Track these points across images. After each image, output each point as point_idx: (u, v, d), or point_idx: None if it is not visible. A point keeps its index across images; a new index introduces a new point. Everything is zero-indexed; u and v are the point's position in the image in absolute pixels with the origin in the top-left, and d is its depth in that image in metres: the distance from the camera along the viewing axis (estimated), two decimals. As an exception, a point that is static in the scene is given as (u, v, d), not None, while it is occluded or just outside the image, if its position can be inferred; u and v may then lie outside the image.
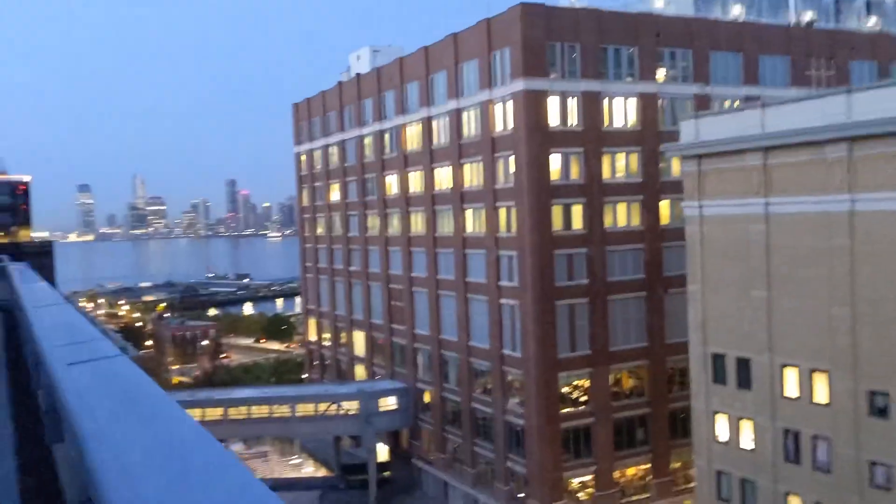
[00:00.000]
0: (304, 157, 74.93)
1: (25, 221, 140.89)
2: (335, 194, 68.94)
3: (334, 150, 68.20)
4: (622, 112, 47.22)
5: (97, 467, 2.14)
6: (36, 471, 5.08)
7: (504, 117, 46.42)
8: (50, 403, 4.36)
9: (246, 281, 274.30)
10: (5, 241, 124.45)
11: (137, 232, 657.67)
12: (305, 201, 75.58)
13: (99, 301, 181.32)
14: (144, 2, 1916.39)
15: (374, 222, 62.08)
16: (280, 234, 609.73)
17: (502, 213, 46.97)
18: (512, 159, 45.65)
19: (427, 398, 55.13)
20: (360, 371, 65.24)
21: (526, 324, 45.01)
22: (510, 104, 45.44)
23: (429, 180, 54.19)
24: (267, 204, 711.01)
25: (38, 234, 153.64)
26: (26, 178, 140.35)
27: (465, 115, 50.02)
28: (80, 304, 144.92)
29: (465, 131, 50.13)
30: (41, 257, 61.48)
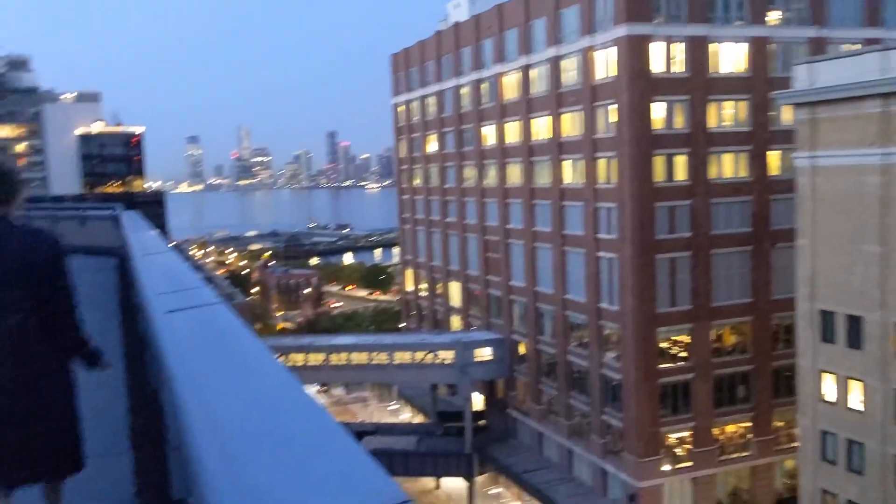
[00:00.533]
0: (401, 109, 75.13)
1: (138, 171, 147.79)
2: (432, 145, 69.01)
3: (431, 101, 68.06)
4: (731, 58, 45.10)
5: (187, 413, 2.14)
6: (143, 413, 5.30)
7: (605, 64, 45.08)
8: (151, 349, 4.48)
9: (346, 231, 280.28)
10: (120, 190, 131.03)
11: (243, 182, 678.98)
12: (403, 152, 76.00)
13: (207, 249, 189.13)
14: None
15: (470, 173, 61.91)
16: (378, 186, 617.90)
17: (601, 163, 45.96)
18: (613, 108, 44.43)
19: (522, 349, 55.26)
20: (455, 321, 65.90)
21: (624, 277, 44.23)
22: (612, 51, 44.05)
23: (526, 130, 53.48)
24: (366, 155, 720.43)
25: (150, 183, 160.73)
26: (139, 130, 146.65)
27: (564, 63, 48.87)
28: (190, 252, 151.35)
29: (565, 79, 49.04)
30: (154, 206, 64.13)
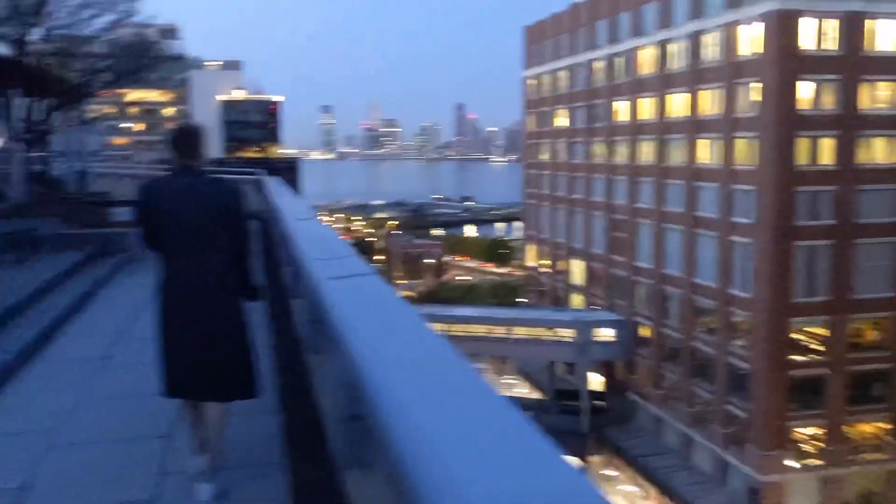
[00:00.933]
0: (531, 82, 74.47)
1: (275, 138, 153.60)
2: (561, 120, 68.12)
3: (563, 75, 67.09)
4: (889, 35, 42.04)
5: (366, 384, 2.22)
6: (290, 375, 5.56)
7: (750, 40, 43.02)
8: (312, 315, 4.66)
9: (469, 204, 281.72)
10: (258, 155, 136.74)
11: (372, 152, 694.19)
12: (531, 126, 75.43)
13: (335, 215, 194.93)
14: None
15: (599, 150, 60.79)
16: (504, 160, 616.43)
17: (740, 144, 44.06)
18: (756, 86, 42.42)
19: (645, 332, 54.14)
20: (576, 300, 65.25)
21: (759, 264, 42.43)
22: (758, 26, 41.97)
23: (661, 107, 51.91)
24: (492, 128, 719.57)
25: (285, 150, 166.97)
26: (278, 98, 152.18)
27: (705, 38, 46.98)
28: (320, 218, 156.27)
29: (705, 55, 47.17)
30: (289, 172, 66.54)
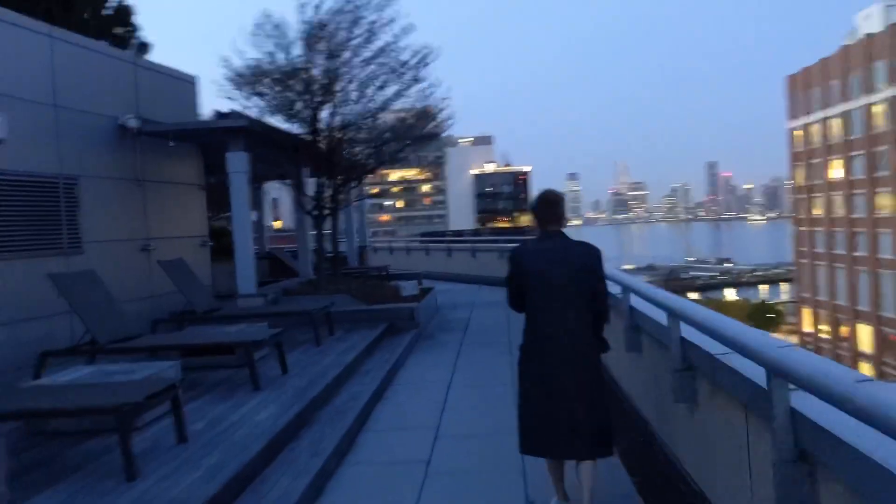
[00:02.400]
0: (798, 133, 69.17)
1: (523, 207, 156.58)
2: (836, 171, 62.27)
3: (836, 123, 61.57)
4: None
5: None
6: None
7: None
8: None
9: (727, 265, 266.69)
10: (508, 225, 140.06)
11: (619, 216, 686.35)
12: (800, 180, 69.76)
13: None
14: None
15: (886, 202, 54.49)
16: (763, 217, 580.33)
17: None
18: None
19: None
20: (864, 368, 58.09)
21: None
22: None
23: (962, 150, 45.56)
24: (749, 185, 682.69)
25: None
26: (526, 169, 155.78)
27: None
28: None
29: None
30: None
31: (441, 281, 21.26)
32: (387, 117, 15.10)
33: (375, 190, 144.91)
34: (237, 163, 12.15)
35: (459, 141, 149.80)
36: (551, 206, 4.74)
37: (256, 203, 21.81)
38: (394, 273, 17.86)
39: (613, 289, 6.04)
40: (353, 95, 14.03)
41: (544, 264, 4.53)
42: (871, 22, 58.40)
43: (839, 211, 61.50)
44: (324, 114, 13.91)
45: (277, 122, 13.90)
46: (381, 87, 14.01)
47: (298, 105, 13.68)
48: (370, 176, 21.92)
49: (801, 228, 69.86)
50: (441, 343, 12.09)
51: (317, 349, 10.31)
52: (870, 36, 55.76)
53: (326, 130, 14.02)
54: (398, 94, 14.22)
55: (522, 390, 4.59)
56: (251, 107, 13.61)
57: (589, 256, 4.63)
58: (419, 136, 15.31)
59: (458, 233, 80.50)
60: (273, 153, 14.13)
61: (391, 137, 15.15)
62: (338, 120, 13.99)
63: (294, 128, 13.95)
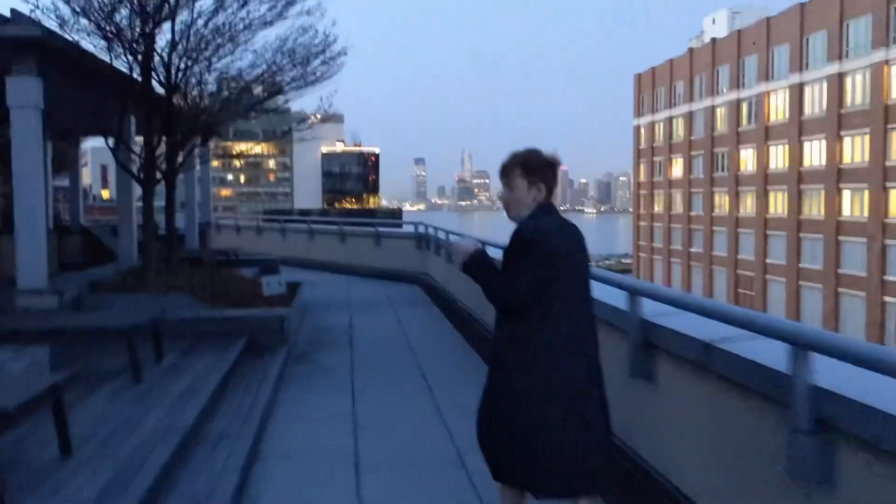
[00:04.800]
0: (643, 130, 71.33)
1: (374, 189, 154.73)
2: (677, 169, 64.58)
3: (680, 122, 63.77)
4: None
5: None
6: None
7: (905, 81, 39.08)
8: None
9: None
10: (356, 206, 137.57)
11: (464, 203, 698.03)
12: (642, 177, 72.03)
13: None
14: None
15: (722, 201, 56.91)
16: (595, 211, 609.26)
17: (895, 194, 39.80)
18: (913, 131, 38.32)
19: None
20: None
21: (920, 328, 37.79)
22: (915, 65, 38.04)
23: (795, 155, 47.96)
24: (584, 180, 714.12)
25: (383, 201, 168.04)
26: (376, 151, 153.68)
27: (849, 80, 43.14)
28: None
29: (849, 99, 43.27)
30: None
31: (302, 269, 17.87)
32: (255, 43, 11.80)
33: (216, 163, 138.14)
34: (24, 94, 8.63)
35: (309, 116, 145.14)
36: (552, 168, 3.49)
37: (71, 163, 18.39)
38: (244, 258, 14.65)
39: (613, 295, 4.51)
40: (207, 5, 10.59)
41: (574, 247, 3.45)
42: (717, 27, 60.71)
43: (678, 207, 63.81)
44: (163, 37, 10.49)
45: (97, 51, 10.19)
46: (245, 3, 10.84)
47: (123, 14, 9.83)
48: (215, 140, 18.63)
49: (642, 223, 72.20)
50: (324, 370, 8.27)
51: (134, 390, 6.25)
52: (715, 41, 57.87)
53: (162, 59, 10.55)
54: (274, 14, 11.11)
55: (544, 421, 3.28)
56: (52, 16, 9.52)
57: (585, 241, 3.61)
58: (305, 75, 12.22)
59: (305, 212, 77.39)
60: (90, 94, 10.92)
61: (266, 73, 12.04)
62: (180, 51, 10.59)
63: (120, 63, 10.37)
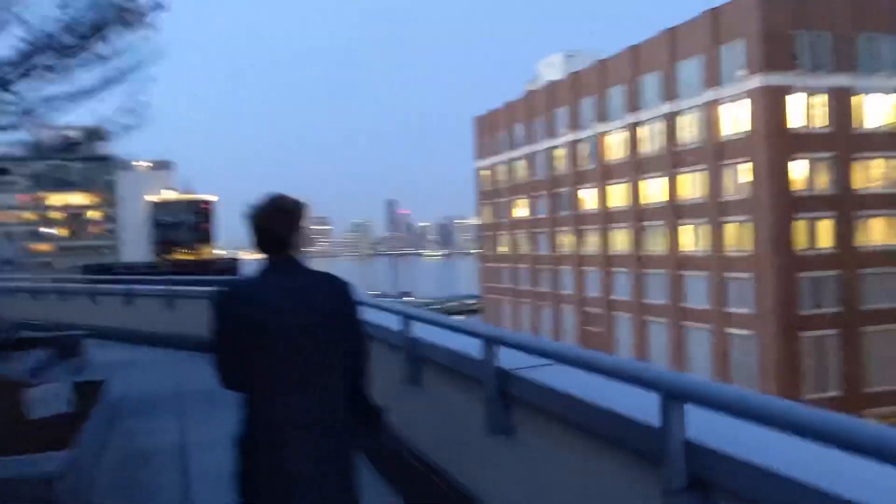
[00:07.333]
0: (485, 173, 71.48)
1: (207, 239, 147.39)
2: (521, 210, 64.87)
3: (521, 164, 64.22)
4: (877, 111, 40.20)
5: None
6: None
7: (734, 119, 40.58)
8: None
9: (409, 299, 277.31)
10: (189, 257, 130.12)
11: (304, 250, 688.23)
12: (487, 218, 72.01)
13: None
14: (309, 30, 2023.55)
15: (566, 240, 57.38)
16: (437, 254, 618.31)
17: (730, 228, 41.02)
18: (745, 167, 39.72)
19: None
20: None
21: (763, 358, 38.72)
22: (743, 104, 39.59)
23: (634, 193, 48.95)
24: (425, 223, 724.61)
25: (219, 251, 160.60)
26: (210, 198, 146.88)
27: (681, 119, 44.52)
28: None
29: (682, 137, 44.60)
30: (229, 274, 61.22)
31: (117, 343, 13.59)
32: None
33: (32, 215, 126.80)
34: None
35: (134, 164, 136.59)
36: (280, 220, 2.96)
37: None
38: (31, 336, 10.55)
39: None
40: None
41: (271, 313, 2.77)
42: (552, 70, 61.87)
43: (524, 248, 63.93)
44: None
45: None
46: None
47: None
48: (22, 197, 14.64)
49: (487, 265, 71.94)
50: None
51: None
52: (552, 83, 58.82)
53: None
54: None
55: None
56: None
57: (338, 296, 2.97)
58: (116, 21, 8.79)
59: (130, 266, 71.17)
60: None
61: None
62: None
63: None
